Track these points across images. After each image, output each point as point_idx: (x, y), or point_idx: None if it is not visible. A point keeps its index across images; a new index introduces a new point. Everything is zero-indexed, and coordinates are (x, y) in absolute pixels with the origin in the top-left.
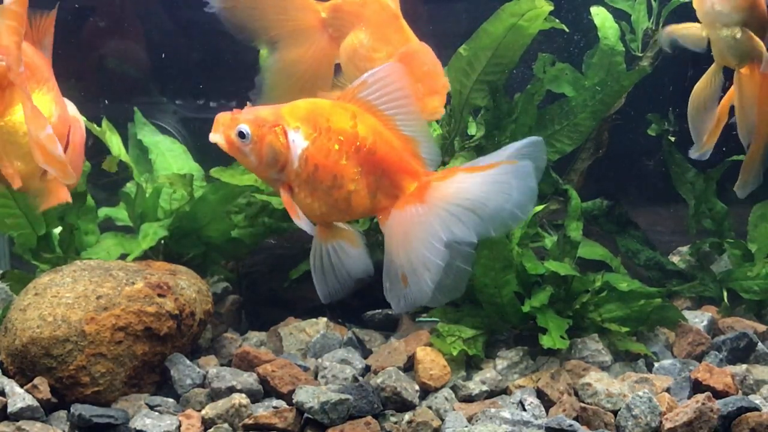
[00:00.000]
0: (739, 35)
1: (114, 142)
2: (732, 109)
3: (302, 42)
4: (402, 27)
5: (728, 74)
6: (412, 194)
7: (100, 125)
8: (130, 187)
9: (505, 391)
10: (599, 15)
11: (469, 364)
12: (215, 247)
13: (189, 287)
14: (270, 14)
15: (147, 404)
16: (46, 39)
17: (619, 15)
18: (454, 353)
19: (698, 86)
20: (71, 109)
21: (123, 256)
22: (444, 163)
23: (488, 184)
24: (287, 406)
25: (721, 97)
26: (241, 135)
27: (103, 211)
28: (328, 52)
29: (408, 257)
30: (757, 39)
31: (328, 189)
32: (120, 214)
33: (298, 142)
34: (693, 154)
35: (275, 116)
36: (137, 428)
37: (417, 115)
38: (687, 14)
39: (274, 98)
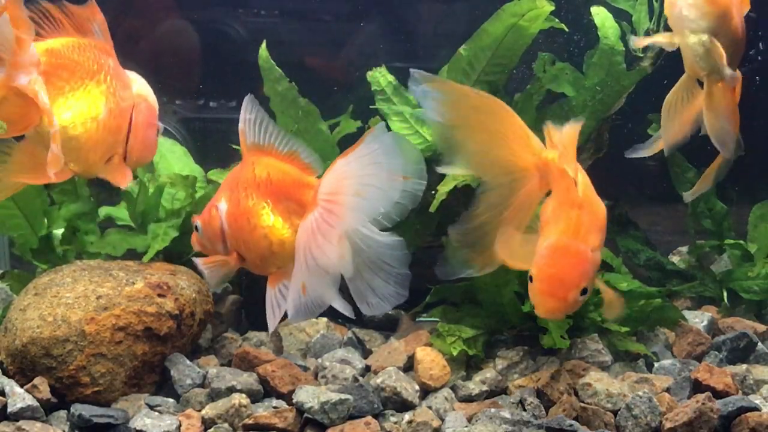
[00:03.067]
0: (706, 44)
1: None
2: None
3: (518, 181)
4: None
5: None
6: (310, 203)
7: None
8: (131, 186)
9: (505, 391)
10: (599, 14)
11: (469, 364)
12: None
13: (189, 287)
14: (490, 149)
15: (147, 404)
16: (95, 25)
17: (621, 15)
18: (454, 353)
19: (669, 95)
20: (137, 86)
21: (129, 251)
22: None
23: (360, 158)
24: (287, 406)
25: None
26: (197, 229)
27: (104, 211)
28: (536, 195)
29: (308, 263)
30: (720, 51)
31: (251, 234)
32: (121, 213)
33: (222, 208)
34: (686, 197)
35: (213, 198)
36: (137, 428)
37: (280, 129)
38: None
39: (479, 225)
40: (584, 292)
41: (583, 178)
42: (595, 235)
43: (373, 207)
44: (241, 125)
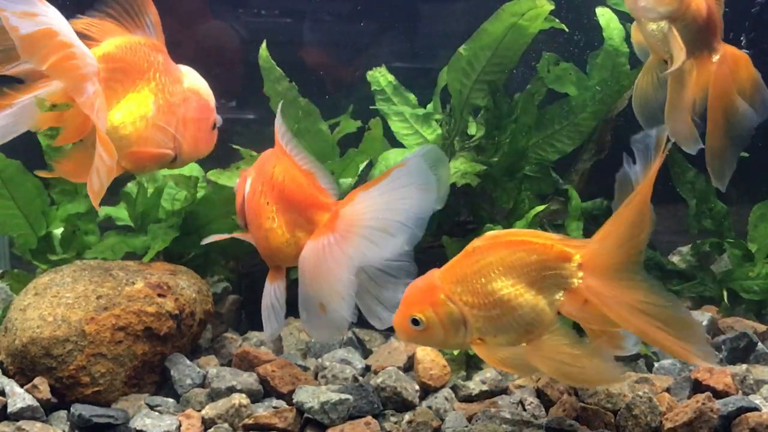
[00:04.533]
0: (664, 30)
1: None
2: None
3: None
4: None
5: None
6: (324, 225)
7: None
8: (131, 186)
9: (505, 391)
10: (604, 16)
11: (469, 364)
12: (216, 247)
13: (189, 287)
14: None
15: (147, 404)
16: (148, 18)
17: (624, 16)
18: (455, 353)
19: (638, 80)
20: (189, 80)
21: (128, 254)
22: None
23: (386, 193)
24: (287, 406)
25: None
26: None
27: (104, 210)
28: None
29: (324, 286)
30: (678, 39)
31: (255, 227)
32: (120, 213)
33: (247, 186)
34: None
35: (249, 169)
36: (137, 428)
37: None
38: None
39: None
40: (416, 323)
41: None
42: (464, 288)
43: (399, 241)
44: (278, 121)
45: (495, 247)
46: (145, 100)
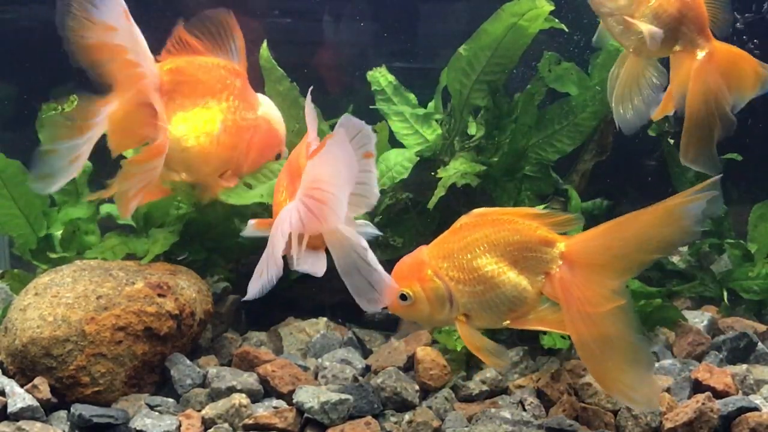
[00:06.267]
0: (620, 22)
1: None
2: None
3: None
4: None
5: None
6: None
7: None
8: None
9: (505, 391)
10: None
11: (469, 364)
12: (219, 250)
13: (189, 287)
14: None
15: (147, 404)
16: (233, 43)
17: None
18: (458, 348)
19: (611, 73)
20: (263, 109)
21: (128, 256)
22: (444, 163)
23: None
24: (287, 406)
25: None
26: None
27: (106, 208)
28: None
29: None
30: (637, 23)
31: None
32: None
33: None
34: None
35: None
36: (137, 428)
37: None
38: None
39: None
40: (404, 298)
41: None
42: (450, 264)
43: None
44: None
45: (481, 225)
46: (213, 118)
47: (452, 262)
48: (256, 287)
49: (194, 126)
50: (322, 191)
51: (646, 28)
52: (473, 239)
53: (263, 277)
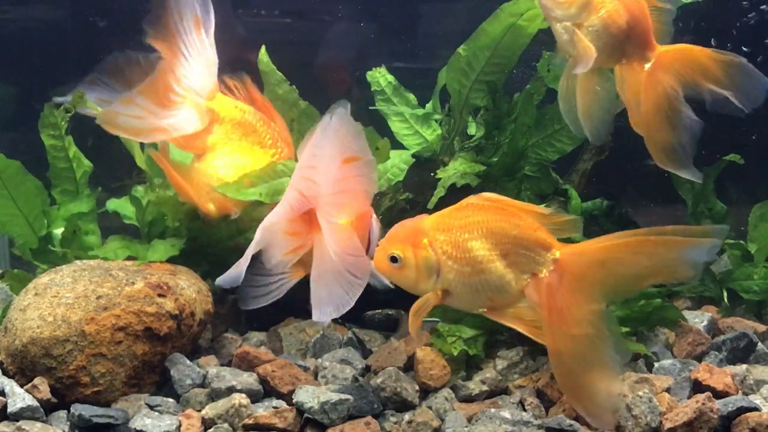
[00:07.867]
0: (568, 30)
1: (134, 145)
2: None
3: None
4: None
5: None
6: None
7: None
8: (140, 190)
9: (505, 391)
10: None
11: (469, 364)
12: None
13: (189, 287)
14: None
15: (147, 404)
16: (275, 127)
17: None
18: (455, 353)
19: (561, 82)
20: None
21: (130, 259)
22: (444, 163)
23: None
24: (287, 406)
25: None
26: None
27: (112, 204)
28: None
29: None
30: (582, 41)
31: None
32: (127, 210)
33: None
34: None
35: None
36: (137, 428)
37: None
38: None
39: None
40: (395, 260)
41: None
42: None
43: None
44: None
45: (485, 210)
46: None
47: (448, 237)
48: (226, 277)
49: (234, 164)
50: (311, 169)
51: (583, 47)
52: (474, 221)
53: (236, 268)
